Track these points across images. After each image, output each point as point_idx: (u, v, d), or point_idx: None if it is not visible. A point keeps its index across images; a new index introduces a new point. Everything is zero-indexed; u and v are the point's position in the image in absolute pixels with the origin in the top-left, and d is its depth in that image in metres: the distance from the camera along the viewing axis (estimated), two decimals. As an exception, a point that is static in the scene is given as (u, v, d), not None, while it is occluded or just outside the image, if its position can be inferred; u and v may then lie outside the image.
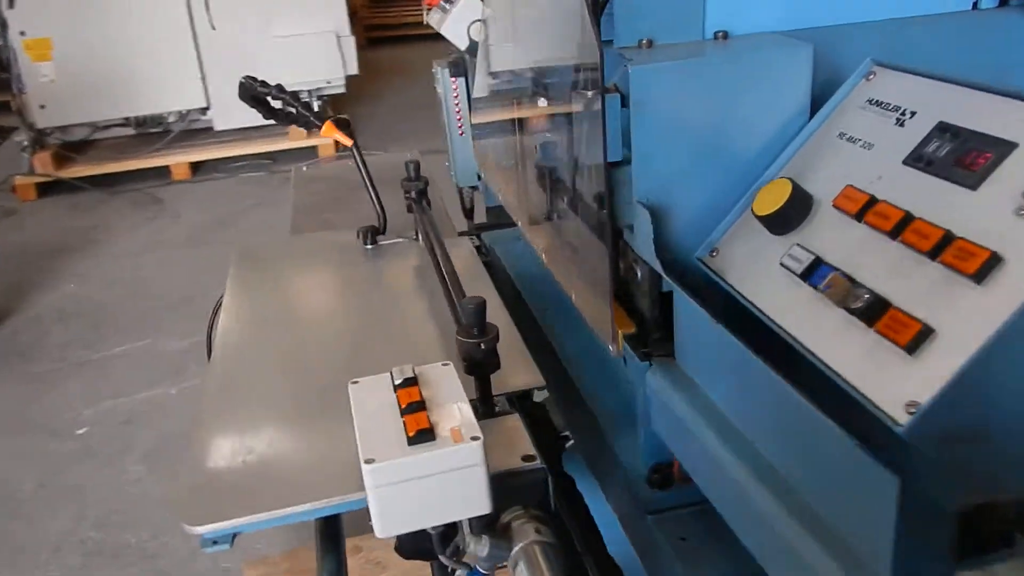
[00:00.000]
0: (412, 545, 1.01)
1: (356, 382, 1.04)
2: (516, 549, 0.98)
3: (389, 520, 0.92)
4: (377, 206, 1.81)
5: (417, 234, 1.81)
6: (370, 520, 1.51)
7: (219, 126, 6.06)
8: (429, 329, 1.45)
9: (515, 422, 1.13)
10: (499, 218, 2.02)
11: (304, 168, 2.60)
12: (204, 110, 6.03)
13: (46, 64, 5.58)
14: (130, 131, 6.10)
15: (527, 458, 1.05)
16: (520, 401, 1.23)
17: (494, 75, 1.49)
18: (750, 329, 0.88)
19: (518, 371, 1.26)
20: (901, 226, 0.79)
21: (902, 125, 0.88)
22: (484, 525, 0.98)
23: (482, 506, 0.93)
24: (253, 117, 6.24)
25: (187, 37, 5.77)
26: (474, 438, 0.91)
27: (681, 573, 1.05)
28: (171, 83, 5.85)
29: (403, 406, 0.96)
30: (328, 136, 1.68)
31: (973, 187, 0.76)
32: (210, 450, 1.15)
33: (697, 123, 0.98)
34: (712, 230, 1.04)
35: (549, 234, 1.36)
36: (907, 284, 0.76)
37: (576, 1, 0.99)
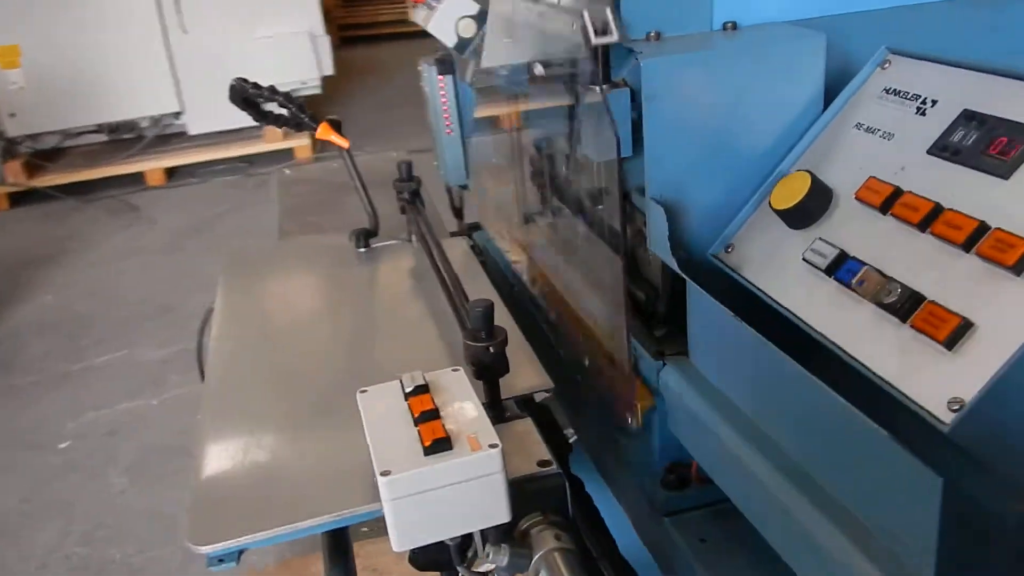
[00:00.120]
0: (426, 556, 0.98)
1: (364, 391, 1.01)
2: (536, 557, 0.96)
3: (406, 533, 0.89)
4: (369, 208, 1.77)
5: (410, 235, 1.78)
6: (364, 528, 1.48)
7: (193, 130, 5.97)
8: (430, 333, 1.42)
9: (527, 426, 1.11)
10: (491, 217, 1.99)
11: (287, 171, 2.55)
12: (177, 114, 5.94)
13: (15, 71, 5.48)
14: (103, 138, 6.00)
15: (543, 463, 1.03)
16: (526, 404, 1.20)
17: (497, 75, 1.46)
18: (766, 326, 0.85)
19: (525, 373, 1.23)
20: (931, 218, 0.77)
21: (923, 114, 0.86)
22: (502, 533, 0.96)
23: (501, 515, 0.91)
24: (227, 121, 6.14)
25: (158, 41, 5.68)
26: (492, 445, 0.89)
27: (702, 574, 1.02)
28: (143, 88, 5.76)
29: (416, 415, 0.93)
30: (324, 138, 1.65)
31: (1005, 176, 0.74)
32: (213, 466, 1.12)
33: (710, 116, 0.96)
34: (723, 226, 1.02)
35: (564, 291, 1.34)
36: (941, 277, 0.74)
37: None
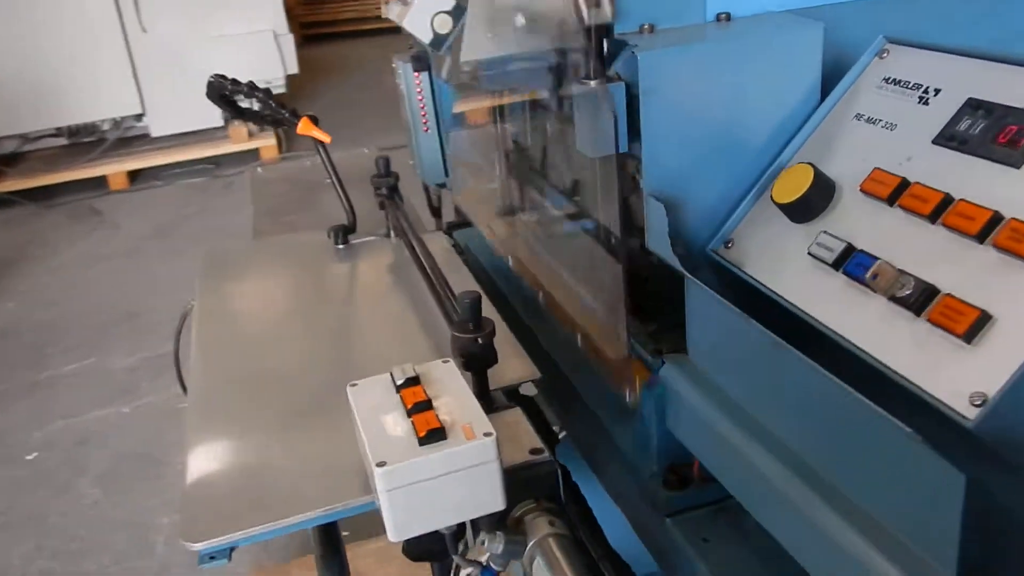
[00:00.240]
0: (420, 547, 0.99)
1: (355, 385, 1.00)
2: (531, 544, 0.97)
3: (403, 523, 0.89)
4: (346, 204, 1.76)
5: (389, 231, 1.76)
6: (346, 532, 1.46)
7: (156, 132, 5.88)
8: (414, 327, 1.41)
9: (517, 416, 1.12)
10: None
11: (259, 170, 2.51)
12: (139, 116, 5.84)
13: (-31, 75, 5.37)
14: (63, 141, 5.89)
15: (535, 451, 1.05)
16: (512, 397, 1.21)
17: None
18: (765, 322, 0.84)
19: (512, 364, 1.23)
20: (941, 208, 0.76)
21: (926, 103, 0.85)
22: (495, 521, 0.96)
23: (496, 503, 0.91)
24: (191, 122, 6.05)
25: (118, 41, 5.58)
26: (487, 434, 0.89)
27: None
28: (103, 90, 5.66)
29: (409, 406, 0.93)
30: (306, 133, 1.63)
31: (1016, 165, 0.73)
32: (203, 464, 1.12)
33: (708, 109, 0.94)
34: (719, 221, 1.00)
35: (553, 276, 1.31)
36: (956, 269, 0.73)
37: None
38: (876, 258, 0.78)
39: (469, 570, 1.03)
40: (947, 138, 0.80)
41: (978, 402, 0.65)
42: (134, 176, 5.90)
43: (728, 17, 1.00)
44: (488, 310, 1.34)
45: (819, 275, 0.84)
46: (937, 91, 0.85)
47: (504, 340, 1.25)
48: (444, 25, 1.77)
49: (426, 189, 2.13)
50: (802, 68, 0.95)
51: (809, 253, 0.86)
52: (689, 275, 0.92)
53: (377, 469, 0.86)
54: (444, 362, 1.03)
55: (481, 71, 1.38)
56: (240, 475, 1.09)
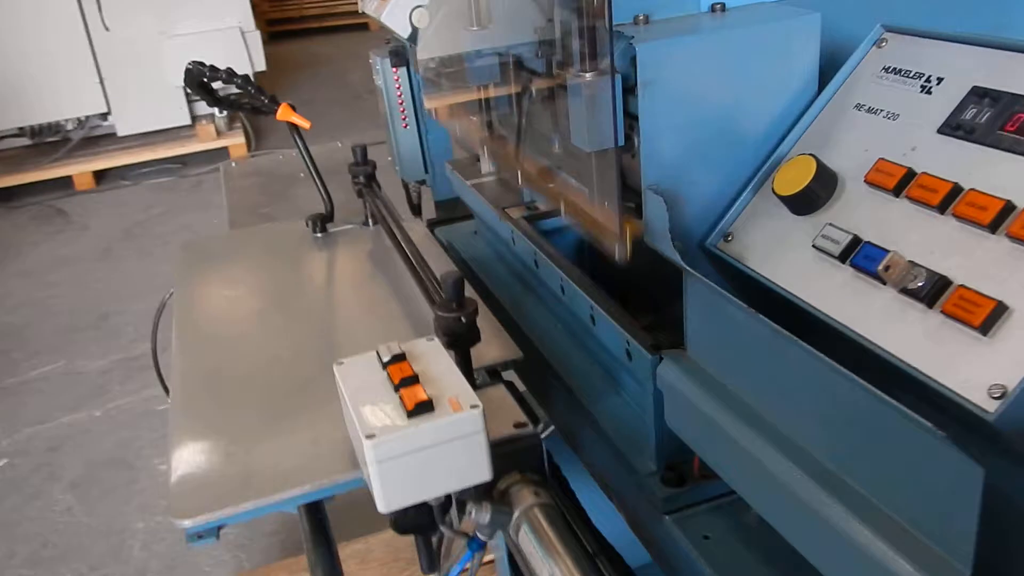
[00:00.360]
0: (408, 520, 1.00)
1: (341, 363, 1.01)
2: (517, 514, 0.99)
3: (392, 494, 0.90)
4: (323, 192, 1.75)
5: (367, 219, 1.76)
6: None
7: (122, 131, 5.79)
8: (396, 312, 1.42)
9: (501, 392, 1.14)
10: (453, 212, 1.94)
11: (233, 164, 2.47)
12: (104, 115, 5.75)
13: (-71, 74, 5.25)
14: (26, 141, 5.77)
15: (519, 425, 1.07)
16: (493, 379, 1.23)
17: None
18: (767, 316, 0.82)
19: (493, 345, 1.25)
20: (950, 199, 0.75)
21: (929, 92, 0.84)
22: (482, 492, 0.97)
23: (483, 474, 0.93)
24: (158, 120, 5.95)
25: (81, 39, 5.48)
26: (473, 406, 0.91)
27: (710, 575, 0.99)
28: (67, 89, 5.56)
29: (396, 382, 0.94)
30: (285, 119, 1.62)
31: (1025, 153, 0.72)
32: (188, 447, 1.13)
33: (705, 101, 0.93)
34: (716, 215, 0.99)
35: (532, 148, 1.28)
36: (968, 260, 0.72)
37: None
38: (884, 250, 0.77)
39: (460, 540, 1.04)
40: (953, 127, 0.79)
41: (997, 394, 0.64)
42: (100, 176, 5.80)
43: (723, 7, 0.98)
44: (472, 293, 1.34)
45: (824, 268, 0.83)
46: (940, 80, 0.84)
47: (486, 323, 1.26)
48: (423, 19, 1.75)
49: (405, 186, 2.10)
50: (800, 58, 0.94)
51: (814, 246, 0.84)
52: (690, 270, 0.90)
53: (366, 441, 0.87)
54: (429, 340, 1.04)
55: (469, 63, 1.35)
56: (226, 457, 1.10)
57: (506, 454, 1.01)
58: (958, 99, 0.81)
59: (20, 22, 5.33)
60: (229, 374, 1.30)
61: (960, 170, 0.76)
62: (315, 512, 1.27)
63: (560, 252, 1.34)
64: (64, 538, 2.82)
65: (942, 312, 0.71)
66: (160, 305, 1.78)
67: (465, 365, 1.11)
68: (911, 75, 0.87)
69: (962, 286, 0.70)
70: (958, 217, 0.74)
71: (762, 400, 0.87)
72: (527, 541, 0.98)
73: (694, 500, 1.08)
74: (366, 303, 1.49)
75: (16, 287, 4.51)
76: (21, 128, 5.68)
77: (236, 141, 5.85)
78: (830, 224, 0.84)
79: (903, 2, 1.01)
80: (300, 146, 1.71)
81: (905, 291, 0.74)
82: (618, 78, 0.93)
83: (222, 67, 1.68)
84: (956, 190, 0.75)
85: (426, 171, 2.02)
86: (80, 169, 5.66)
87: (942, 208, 0.75)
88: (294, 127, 1.70)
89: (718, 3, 0.98)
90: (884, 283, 0.76)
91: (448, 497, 0.96)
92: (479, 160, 1.77)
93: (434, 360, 0.99)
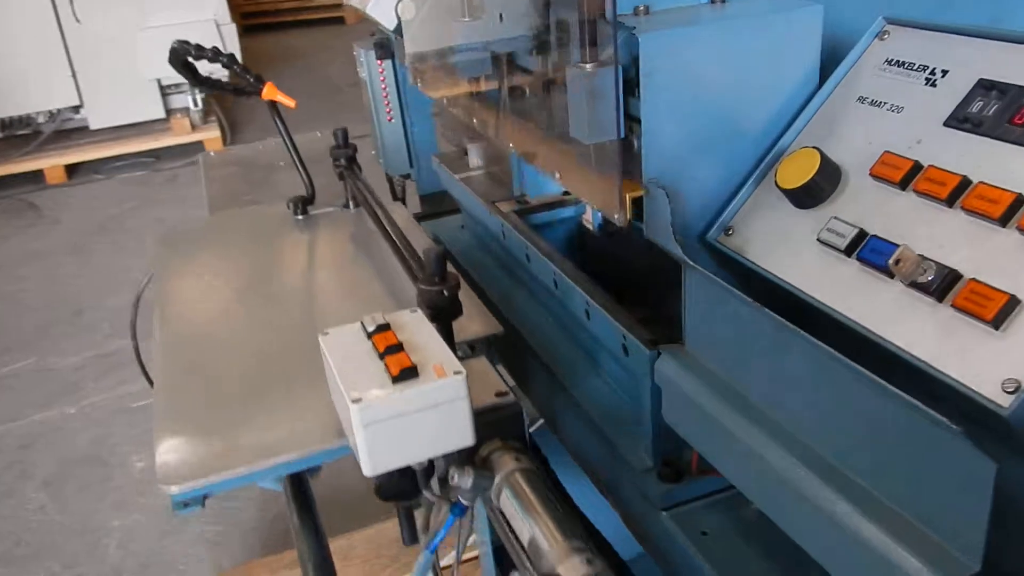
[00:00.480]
0: (391, 487, 1.02)
1: (326, 333, 1.03)
2: (498, 479, 1.01)
3: (377, 458, 0.92)
4: (304, 175, 1.76)
5: (348, 202, 1.77)
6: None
7: (94, 124, 5.70)
8: (378, 291, 1.45)
9: (482, 364, 1.18)
10: (439, 206, 1.92)
11: (211, 153, 2.45)
12: (77, 108, 5.66)
13: None
14: (-5, 134, 5.69)
15: (500, 394, 1.10)
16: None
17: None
18: (770, 310, 0.82)
19: (474, 320, 1.28)
20: (959, 192, 0.75)
21: (933, 85, 0.84)
22: (465, 458, 1.00)
23: (466, 438, 0.95)
24: (131, 114, 5.86)
25: (53, 31, 5.39)
26: (457, 372, 0.93)
27: (709, 571, 0.99)
28: (38, 81, 5.47)
29: (381, 350, 0.96)
30: (270, 97, 1.62)
31: (1035, 146, 0.72)
32: (174, 421, 1.14)
33: (707, 93, 0.92)
34: (715, 208, 0.98)
35: (528, 114, 1.26)
36: (978, 253, 0.71)
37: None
38: (891, 243, 0.77)
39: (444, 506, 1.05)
40: (960, 120, 0.79)
41: (1011, 389, 0.64)
42: (72, 170, 5.71)
43: (723, -2, 0.97)
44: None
45: (830, 261, 0.82)
46: (944, 72, 0.83)
47: (466, 298, 1.27)
48: (408, 11, 1.73)
49: (390, 180, 2.08)
50: (801, 50, 0.93)
51: (818, 239, 0.84)
52: (692, 263, 0.89)
53: (353, 405, 0.89)
54: (412, 312, 1.06)
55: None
56: (212, 429, 1.11)
57: (488, 423, 1.03)
58: (964, 92, 0.80)
59: (-10, 13, 5.24)
60: (213, 351, 1.32)
61: (968, 163, 0.76)
62: (300, 487, 1.31)
63: (552, 247, 1.33)
64: (37, 536, 2.77)
65: (952, 306, 0.70)
66: (139, 290, 1.77)
67: (447, 338, 1.12)
68: (915, 68, 0.86)
69: (973, 280, 0.70)
70: (967, 210, 0.73)
71: (764, 395, 0.87)
72: (508, 504, 1.00)
73: (692, 496, 1.08)
74: (348, 282, 1.52)
75: (-13, 282, 4.44)
76: (-9, 121, 5.60)
77: (211, 135, 5.78)
78: (835, 217, 0.83)
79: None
80: (281, 128, 1.72)
81: (914, 285, 0.73)
82: (619, 69, 0.92)
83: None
84: (965, 183, 0.75)
85: (411, 165, 2.00)
86: (52, 163, 5.57)
87: (951, 201, 0.75)
88: (275, 109, 1.72)
89: (718, -6, 0.97)
90: (891, 277, 0.76)
91: (431, 462, 0.98)
92: (467, 154, 1.76)
93: (418, 330, 1.01)
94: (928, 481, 0.69)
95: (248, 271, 1.61)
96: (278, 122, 1.72)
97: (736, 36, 0.90)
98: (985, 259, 0.70)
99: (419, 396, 0.91)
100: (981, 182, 0.73)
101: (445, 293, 1.10)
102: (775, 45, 0.92)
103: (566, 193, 1.54)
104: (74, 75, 5.52)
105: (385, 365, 0.93)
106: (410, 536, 1.20)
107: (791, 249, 0.87)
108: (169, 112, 5.80)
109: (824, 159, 0.85)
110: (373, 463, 0.92)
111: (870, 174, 0.83)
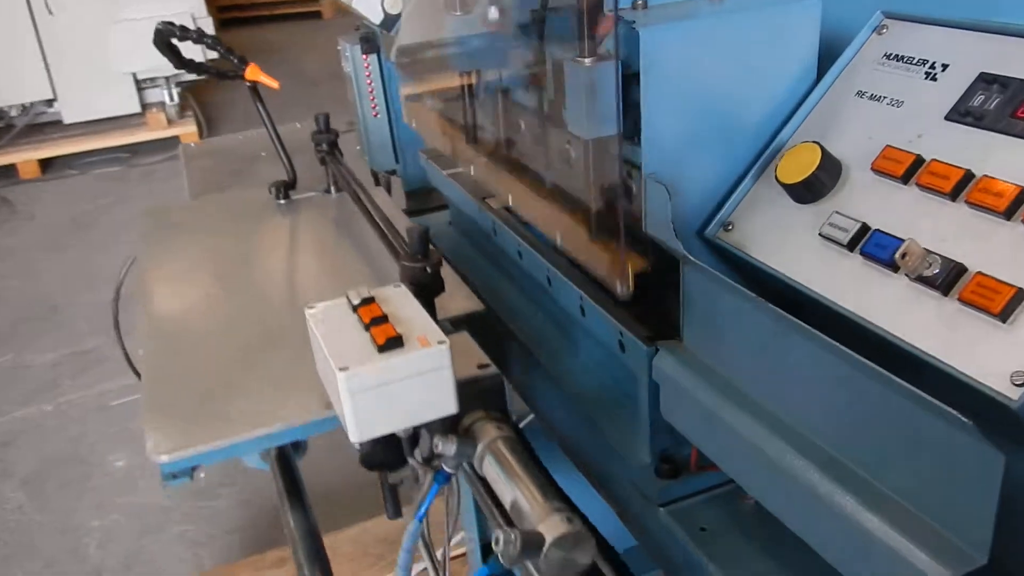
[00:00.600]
0: (376, 456, 1.05)
1: (312, 307, 1.05)
2: (481, 447, 1.03)
3: (364, 425, 0.95)
4: (285, 160, 1.77)
5: (329, 187, 1.78)
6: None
7: (68, 118, 5.64)
8: (361, 270, 1.47)
9: (464, 338, 1.21)
10: (425, 202, 1.91)
11: (191, 144, 2.42)
12: (50, 102, 5.59)
13: None
14: (-34, 128, 5.61)
15: (482, 366, 1.14)
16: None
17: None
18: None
19: (456, 297, 1.30)
20: (963, 185, 0.75)
21: (934, 79, 0.84)
22: (448, 426, 1.02)
23: (449, 407, 0.98)
24: (106, 108, 5.82)
25: (25, 23, 5.32)
26: (440, 342, 0.96)
27: (709, 567, 0.98)
28: (10, 74, 5.39)
29: (367, 322, 0.99)
30: (253, 79, 1.61)
31: (1039, 139, 0.72)
32: (162, 396, 1.17)
33: (705, 87, 0.91)
34: (714, 203, 0.98)
35: (524, 176, 1.27)
36: (983, 247, 0.71)
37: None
38: (895, 237, 0.77)
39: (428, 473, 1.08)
40: (961, 114, 0.79)
41: (1020, 381, 0.64)
42: (46, 165, 5.65)
43: (721, -8, 0.97)
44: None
45: (832, 256, 0.82)
46: (945, 66, 0.83)
47: (447, 275, 1.28)
48: (395, 5, 1.72)
49: (375, 176, 2.06)
50: (800, 44, 0.93)
51: (820, 234, 0.83)
52: (692, 258, 0.89)
53: (340, 374, 0.92)
54: (396, 287, 1.09)
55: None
56: (200, 403, 1.14)
57: (470, 394, 1.05)
58: (965, 85, 0.80)
59: (-40, 5, 5.16)
60: (198, 330, 1.35)
61: (971, 157, 0.76)
62: (286, 464, 1.35)
63: (544, 243, 1.33)
64: (16, 536, 2.74)
65: (959, 300, 0.70)
66: (121, 275, 1.77)
67: (430, 314, 1.13)
68: (914, 61, 0.86)
69: (979, 273, 0.70)
70: (971, 204, 0.73)
71: (765, 389, 0.87)
72: (491, 469, 1.02)
73: (690, 491, 1.07)
74: (330, 264, 1.55)
75: (-40, 279, 4.38)
76: (-38, 115, 5.51)
77: (188, 129, 5.73)
78: (837, 212, 0.83)
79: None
80: (262, 112, 1.71)
81: (920, 279, 0.73)
82: (619, 64, 0.91)
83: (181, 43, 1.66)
84: (968, 177, 0.75)
85: (396, 160, 1.98)
86: (25, 157, 5.51)
87: (954, 195, 0.75)
88: (256, 93, 1.72)
89: (716, -13, 0.97)
90: (895, 271, 0.76)
91: (416, 430, 1.01)
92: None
93: (401, 304, 1.04)
94: (934, 473, 0.69)
95: (231, 254, 1.62)
96: (259, 106, 1.71)
97: (734, 30, 0.90)
98: (991, 252, 0.70)
99: (404, 364, 0.94)
100: (985, 175, 0.73)
101: (428, 270, 1.13)
102: (774, 38, 0.92)
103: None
104: (47, 68, 5.46)
105: (371, 336, 0.96)
106: (394, 510, 1.22)
107: (792, 244, 0.87)
108: (145, 107, 5.74)
109: (825, 154, 0.85)
110: (360, 430, 0.95)
111: (871, 168, 0.83)
